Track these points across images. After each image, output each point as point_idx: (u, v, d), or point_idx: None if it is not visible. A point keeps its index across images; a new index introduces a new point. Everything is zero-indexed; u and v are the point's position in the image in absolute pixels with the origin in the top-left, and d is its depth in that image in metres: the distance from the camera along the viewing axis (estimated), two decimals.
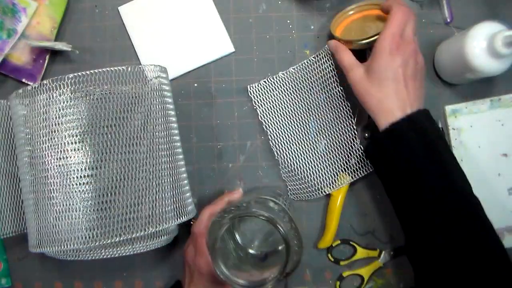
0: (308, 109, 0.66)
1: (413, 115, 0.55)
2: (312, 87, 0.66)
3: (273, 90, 0.67)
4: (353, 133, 0.65)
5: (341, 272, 0.67)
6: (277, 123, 0.67)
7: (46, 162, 0.52)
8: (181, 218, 0.55)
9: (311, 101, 0.66)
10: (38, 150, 0.53)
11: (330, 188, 0.65)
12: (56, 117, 0.52)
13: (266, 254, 0.55)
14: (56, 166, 0.52)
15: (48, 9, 0.67)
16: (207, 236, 0.51)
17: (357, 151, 0.64)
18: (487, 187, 0.66)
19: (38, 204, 0.53)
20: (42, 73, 0.67)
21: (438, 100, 0.67)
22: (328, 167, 0.65)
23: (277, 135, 0.67)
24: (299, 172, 0.66)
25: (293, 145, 0.66)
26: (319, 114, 0.66)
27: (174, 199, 0.55)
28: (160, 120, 0.55)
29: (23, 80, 0.67)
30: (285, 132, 0.67)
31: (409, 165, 0.55)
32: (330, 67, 0.65)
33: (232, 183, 0.68)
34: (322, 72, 0.66)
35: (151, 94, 0.55)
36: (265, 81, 0.67)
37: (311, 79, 0.67)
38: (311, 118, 0.66)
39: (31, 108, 0.53)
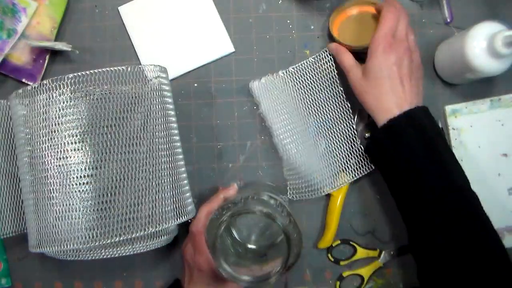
0: (308, 109, 0.66)
1: (411, 111, 0.56)
2: (312, 87, 0.66)
3: (273, 88, 0.67)
4: (353, 133, 0.65)
5: (341, 272, 0.67)
6: (279, 120, 0.66)
7: (46, 162, 0.52)
8: (181, 218, 0.55)
9: (311, 100, 0.66)
10: (38, 150, 0.53)
11: (330, 187, 0.65)
12: (56, 117, 0.52)
13: (264, 249, 0.55)
14: (56, 166, 0.52)
15: (48, 9, 0.67)
16: (206, 235, 0.51)
17: (357, 151, 0.64)
18: (487, 187, 0.66)
19: (38, 204, 0.53)
20: (42, 73, 0.67)
21: (438, 100, 0.67)
22: (328, 167, 0.65)
23: (279, 133, 0.66)
24: (300, 170, 0.66)
25: (294, 143, 0.66)
26: (319, 114, 0.66)
27: (174, 199, 0.55)
28: (160, 120, 0.55)
29: (23, 80, 0.67)
30: (286, 131, 0.66)
31: (409, 165, 0.56)
32: (331, 67, 0.65)
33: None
34: (323, 73, 0.66)
35: (151, 94, 0.55)
36: (265, 78, 0.67)
37: (311, 79, 0.67)
38: (311, 117, 0.66)
39: (31, 108, 0.53)
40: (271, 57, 0.69)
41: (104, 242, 0.51)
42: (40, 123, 0.52)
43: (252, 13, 0.69)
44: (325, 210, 0.67)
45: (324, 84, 0.66)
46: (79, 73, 0.51)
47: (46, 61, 0.67)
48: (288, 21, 0.69)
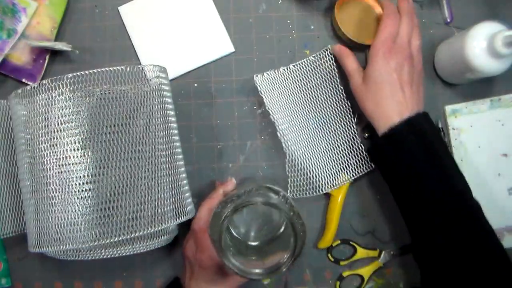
0: (309, 107, 0.66)
1: (412, 118, 0.56)
2: (312, 85, 0.66)
3: (278, 82, 0.67)
4: (353, 132, 0.65)
5: (341, 272, 0.67)
6: (283, 114, 0.66)
7: (46, 163, 0.52)
8: (181, 218, 0.55)
9: (311, 98, 0.66)
10: (38, 151, 0.52)
11: (330, 186, 0.65)
12: (56, 117, 0.52)
13: (264, 244, 0.55)
14: (57, 166, 0.52)
15: (48, 9, 0.67)
16: (210, 231, 0.50)
17: (358, 149, 0.64)
18: (487, 187, 0.66)
19: (38, 204, 0.53)
20: (42, 73, 0.67)
21: (438, 100, 0.67)
22: (329, 165, 0.65)
23: (284, 127, 0.66)
24: (302, 167, 0.66)
25: (296, 138, 0.66)
26: (320, 112, 0.66)
27: (174, 199, 0.55)
28: (160, 120, 0.55)
29: (23, 80, 0.67)
30: (289, 126, 0.66)
31: (410, 171, 0.56)
32: (331, 66, 0.65)
33: None
34: (323, 72, 0.66)
35: (151, 94, 0.55)
36: (268, 73, 0.66)
37: (311, 77, 0.66)
38: (312, 115, 0.66)
39: (31, 108, 0.53)
40: (271, 57, 0.69)
41: (104, 242, 0.51)
42: (40, 123, 0.52)
43: (252, 13, 0.69)
44: (325, 210, 0.67)
45: (324, 83, 0.66)
46: (79, 73, 0.51)
47: (46, 61, 0.67)
48: (288, 21, 0.69)
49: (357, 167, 0.65)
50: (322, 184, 0.65)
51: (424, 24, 0.68)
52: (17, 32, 0.66)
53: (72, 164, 0.52)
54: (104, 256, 0.55)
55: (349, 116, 0.65)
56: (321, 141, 0.66)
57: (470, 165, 0.66)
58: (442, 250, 0.54)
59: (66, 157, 0.52)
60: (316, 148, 0.66)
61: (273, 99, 0.66)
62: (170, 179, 0.55)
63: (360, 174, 0.65)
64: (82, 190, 0.52)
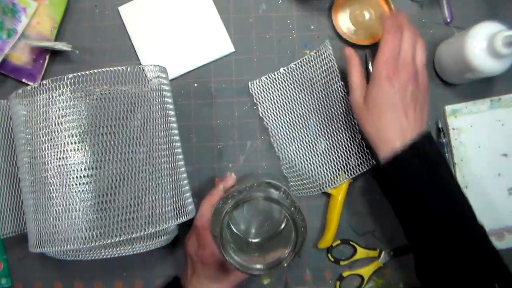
0: (309, 106, 0.67)
1: (415, 142, 0.54)
2: (313, 83, 0.66)
3: (274, 87, 0.67)
4: (353, 129, 0.65)
5: (341, 272, 0.67)
6: (278, 120, 0.67)
7: (46, 162, 0.52)
8: (181, 218, 0.55)
9: (311, 97, 0.66)
10: (38, 150, 0.53)
11: (330, 185, 0.65)
12: (56, 117, 0.52)
13: (264, 241, 0.55)
14: (56, 166, 0.52)
15: (48, 9, 0.67)
16: (212, 227, 0.50)
17: (357, 147, 0.64)
18: (487, 187, 0.66)
19: (38, 204, 0.53)
20: (42, 73, 0.67)
21: (438, 100, 0.67)
22: (328, 163, 0.65)
23: (278, 132, 0.67)
24: (299, 168, 0.66)
25: (294, 141, 0.66)
26: (319, 111, 0.66)
27: (174, 199, 0.55)
28: (160, 120, 0.55)
29: (23, 80, 0.67)
30: (286, 129, 0.67)
31: (414, 193, 0.55)
32: (331, 62, 0.65)
33: None
34: (323, 68, 0.66)
35: (151, 94, 0.55)
36: (266, 78, 0.67)
37: (312, 74, 0.66)
38: (311, 115, 0.66)
39: (31, 108, 0.53)
40: (271, 57, 0.69)
41: (104, 242, 0.51)
42: (40, 123, 0.52)
43: (252, 13, 0.69)
44: (325, 210, 0.67)
45: (324, 79, 0.66)
46: (79, 73, 0.51)
47: (46, 61, 0.67)
48: (288, 21, 0.69)
49: (357, 165, 0.64)
50: (322, 183, 0.65)
51: (424, 24, 0.68)
52: (17, 32, 0.66)
53: (72, 164, 0.52)
54: (104, 256, 0.55)
55: (350, 113, 0.65)
56: (321, 140, 0.66)
57: (470, 165, 0.66)
58: (443, 268, 0.53)
59: (65, 156, 0.52)
60: (315, 148, 0.66)
61: (268, 104, 0.67)
62: (170, 179, 0.55)
63: (361, 172, 0.65)
64: (82, 190, 0.52)
